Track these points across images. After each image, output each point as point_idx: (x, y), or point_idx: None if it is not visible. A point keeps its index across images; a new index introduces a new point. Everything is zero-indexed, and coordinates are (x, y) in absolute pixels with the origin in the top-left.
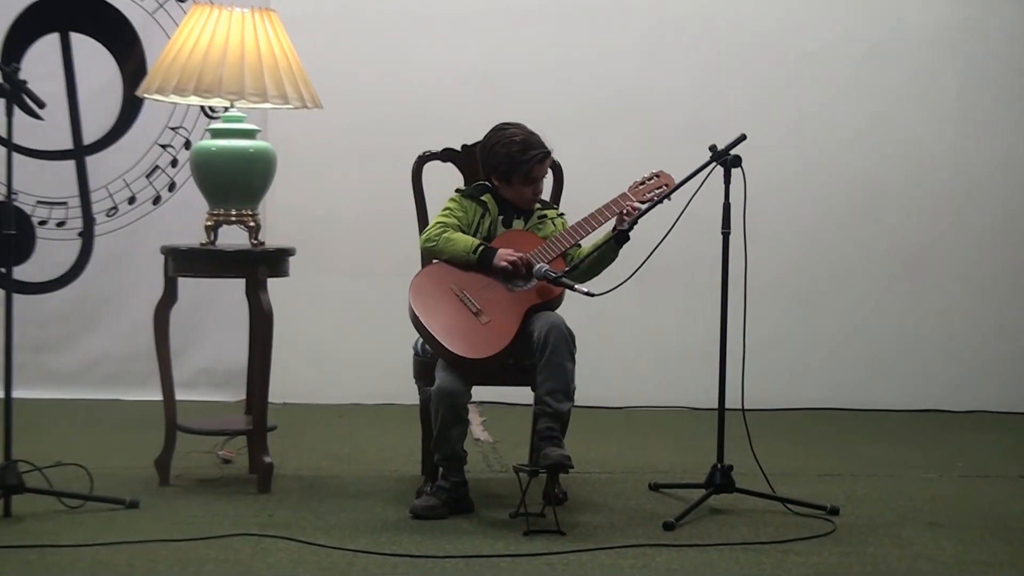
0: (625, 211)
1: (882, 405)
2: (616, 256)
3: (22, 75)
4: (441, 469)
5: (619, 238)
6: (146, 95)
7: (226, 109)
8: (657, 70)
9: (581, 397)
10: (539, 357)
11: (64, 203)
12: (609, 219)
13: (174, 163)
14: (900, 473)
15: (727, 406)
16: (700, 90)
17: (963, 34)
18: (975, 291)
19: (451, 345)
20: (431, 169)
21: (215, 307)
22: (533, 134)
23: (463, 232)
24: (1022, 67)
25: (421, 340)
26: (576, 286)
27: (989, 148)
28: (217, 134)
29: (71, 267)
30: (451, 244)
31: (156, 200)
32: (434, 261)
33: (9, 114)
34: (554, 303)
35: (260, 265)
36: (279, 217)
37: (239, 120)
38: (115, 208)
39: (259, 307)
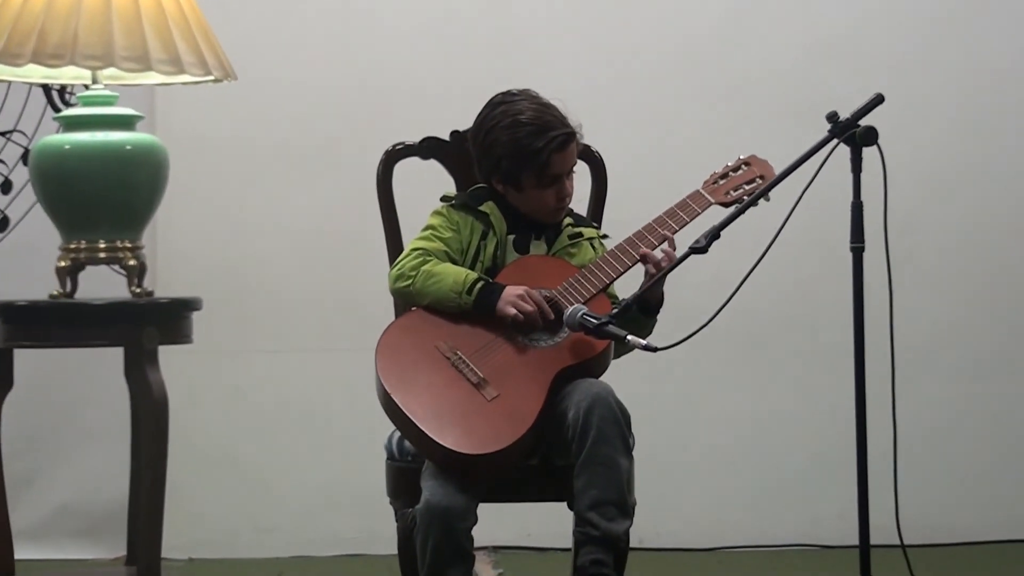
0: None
1: None
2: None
3: None
4: None
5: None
6: None
7: (86, 87)
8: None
9: (650, 535)
10: (577, 450)
11: None
12: (676, 231)
13: (6, 188)
14: None
15: (872, 541)
16: (810, 50)
17: None
18: None
19: (441, 437)
20: (406, 169)
21: (81, 407)
22: (548, 107)
23: (453, 262)
24: None
25: (397, 433)
26: (630, 337)
27: None
28: (72, 124)
29: None
30: (435, 281)
31: None
32: (412, 308)
33: None
34: (596, 366)
35: (147, 325)
36: (171, 263)
37: (108, 101)
38: None
39: (147, 391)
